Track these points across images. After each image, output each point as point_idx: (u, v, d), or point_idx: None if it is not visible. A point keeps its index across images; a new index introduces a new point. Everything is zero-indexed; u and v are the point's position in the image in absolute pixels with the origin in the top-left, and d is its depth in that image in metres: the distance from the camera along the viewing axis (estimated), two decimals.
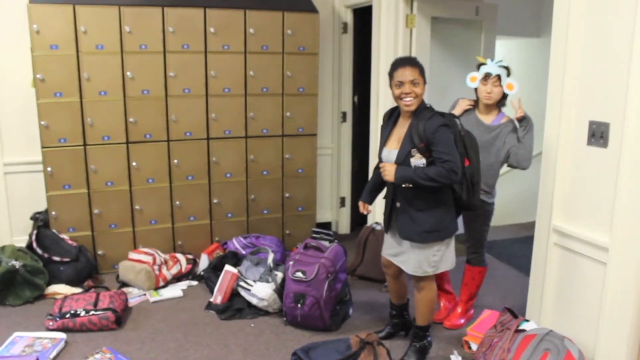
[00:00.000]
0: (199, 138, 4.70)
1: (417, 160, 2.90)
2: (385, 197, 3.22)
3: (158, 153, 4.60)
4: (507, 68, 3.46)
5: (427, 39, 4.68)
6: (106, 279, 4.50)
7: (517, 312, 3.23)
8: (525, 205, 5.34)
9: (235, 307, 3.90)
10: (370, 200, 3.38)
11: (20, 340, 3.40)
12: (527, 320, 3.17)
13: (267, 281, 3.86)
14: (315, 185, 5.25)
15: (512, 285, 4.45)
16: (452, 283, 3.91)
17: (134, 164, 4.53)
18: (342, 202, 5.82)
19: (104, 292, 3.84)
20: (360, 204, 3.36)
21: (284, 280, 3.78)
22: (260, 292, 3.81)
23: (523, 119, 3.42)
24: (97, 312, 3.60)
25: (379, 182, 3.31)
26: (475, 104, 3.61)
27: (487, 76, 3.45)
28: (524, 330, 3.01)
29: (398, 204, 3.06)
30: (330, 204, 5.87)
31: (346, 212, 5.84)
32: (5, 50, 4.60)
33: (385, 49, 4.66)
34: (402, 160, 2.94)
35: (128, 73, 4.41)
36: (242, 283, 3.93)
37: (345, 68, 5.57)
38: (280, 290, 3.79)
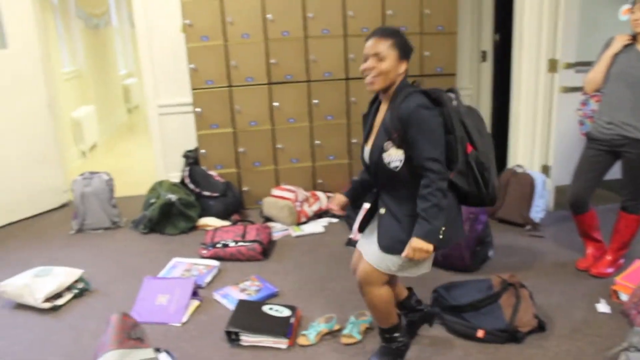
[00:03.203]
0: (338, 78, 4.75)
1: (393, 155, 2.26)
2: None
3: (298, 93, 4.72)
4: None
5: None
6: (251, 214, 4.76)
7: None
8: None
9: None
10: (354, 198, 2.68)
11: (179, 265, 3.72)
12: None
13: None
14: None
15: None
16: (603, 231, 3.71)
17: (275, 104, 4.69)
18: None
19: (251, 226, 4.08)
20: (338, 197, 2.68)
21: None
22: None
23: None
24: (245, 243, 3.84)
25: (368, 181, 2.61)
26: (634, 38, 3.31)
27: (635, 1, 3.15)
28: None
29: (382, 211, 2.42)
30: None
31: None
32: (157, 0, 4.92)
33: None
34: (376, 158, 2.32)
35: (269, 15, 4.52)
36: None
37: (486, 4, 5.32)
38: None
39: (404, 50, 2.31)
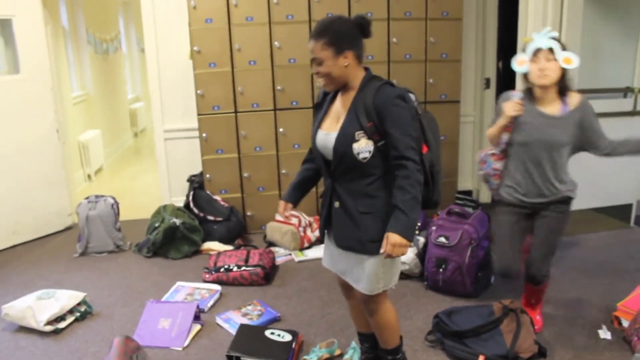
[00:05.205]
0: None
1: (363, 146, 2.20)
2: (322, 196, 2.51)
3: (303, 119, 4.76)
4: (559, 41, 2.83)
5: None
6: (254, 238, 4.78)
7: None
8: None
9: None
10: (295, 199, 2.63)
11: (182, 289, 3.74)
12: None
13: None
14: (457, 152, 5.18)
15: None
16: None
17: (281, 130, 4.73)
18: None
19: (254, 250, 4.09)
20: (281, 204, 2.62)
21: (425, 245, 3.81)
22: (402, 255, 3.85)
23: None
24: (248, 268, 3.85)
25: (309, 177, 2.61)
26: (528, 97, 2.97)
27: (537, 52, 2.83)
28: None
29: (337, 204, 2.37)
30: (472, 173, 5.75)
31: None
32: (167, 28, 5.04)
33: (533, 10, 4.43)
34: (344, 147, 2.23)
35: (276, 43, 4.59)
36: None
37: (490, 32, 5.39)
38: (422, 254, 3.82)
39: (339, 44, 2.22)
